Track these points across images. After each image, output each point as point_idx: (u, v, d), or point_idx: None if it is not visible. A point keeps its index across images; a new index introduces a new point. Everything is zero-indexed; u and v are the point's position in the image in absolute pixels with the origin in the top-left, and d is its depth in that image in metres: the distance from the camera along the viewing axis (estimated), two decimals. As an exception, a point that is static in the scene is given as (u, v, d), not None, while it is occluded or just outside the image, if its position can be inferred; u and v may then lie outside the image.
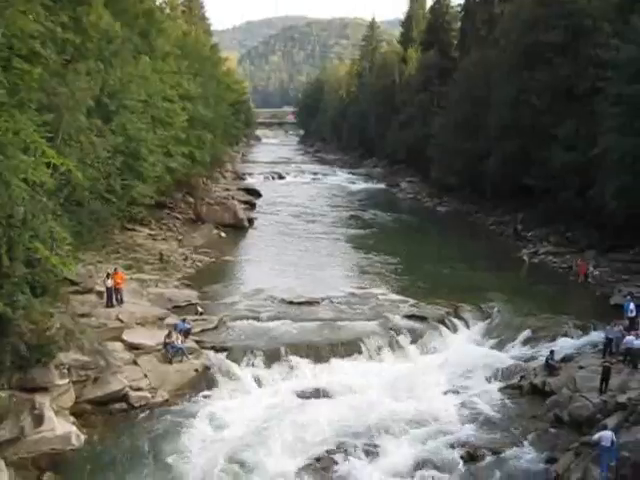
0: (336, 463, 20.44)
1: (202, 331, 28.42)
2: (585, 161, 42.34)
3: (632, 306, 27.98)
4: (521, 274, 42.63)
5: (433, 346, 30.38)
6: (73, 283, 26.82)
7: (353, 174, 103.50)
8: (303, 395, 25.25)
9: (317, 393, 25.47)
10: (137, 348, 25.18)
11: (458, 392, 26.14)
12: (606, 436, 18.15)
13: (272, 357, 27.05)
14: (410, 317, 32.25)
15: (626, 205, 37.82)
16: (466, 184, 64.73)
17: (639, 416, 18.90)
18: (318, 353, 27.94)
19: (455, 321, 32.45)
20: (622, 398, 20.46)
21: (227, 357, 26.62)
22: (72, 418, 20.34)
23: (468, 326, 32.27)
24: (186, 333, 26.67)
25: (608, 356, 24.16)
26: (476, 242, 50.76)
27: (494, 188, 58.12)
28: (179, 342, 25.50)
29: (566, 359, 26.40)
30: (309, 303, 33.95)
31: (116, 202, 29.84)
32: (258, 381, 25.87)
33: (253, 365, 26.53)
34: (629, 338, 23.62)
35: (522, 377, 25.93)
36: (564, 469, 19.13)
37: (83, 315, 24.78)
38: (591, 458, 18.75)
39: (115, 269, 29.15)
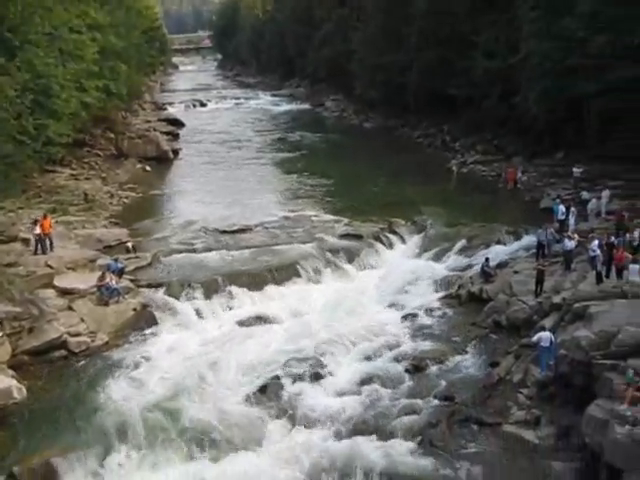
0: (283, 388, 20.45)
1: (136, 269, 27.75)
2: (507, 68, 42.40)
3: (562, 208, 28.56)
4: (451, 185, 43.02)
5: (370, 263, 30.56)
6: (-5, 233, 25.65)
7: (276, 96, 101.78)
8: (245, 324, 25.11)
9: (259, 320, 25.36)
10: (70, 293, 24.39)
11: (398, 306, 26.45)
12: (545, 337, 18.65)
13: (211, 288, 26.71)
14: (345, 236, 32.29)
15: (546, 109, 38.33)
16: (390, 98, 64.27)
17: (574, 315, 19.41)
18: (256, 280, 27.75)
19: (390, 237, 32.63)
20: (557, 299, 20.99)
21: (165, 293, 26.12)
22: (11, 371, 19.70)
23: (404, 241, 32.49)
24: (120, 273, 25.98)
25: (541, 259, 24.68)
26: (404, 156, 50.80)
27: (417, 101, 57.96)
28: (113, 283, 24.84)
29: (501, 265, 26.88)
30: (243, 231, 33.59)
31: (30, 143, 28.32)
32: (199, 314, 25.54)
33: (192, 298, 26.13)
34: (567, 241, 24.05)
35: (460, 286, 26.34)
36: (506, 372, 19.67)
37: (9, 265, 23.78)
38: (531, 359, 19.31)
39: (44, 215, 27.96)
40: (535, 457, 15.90)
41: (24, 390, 18.70)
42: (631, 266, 19.95)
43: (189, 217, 36.14)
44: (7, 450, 17.04)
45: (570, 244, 23.67)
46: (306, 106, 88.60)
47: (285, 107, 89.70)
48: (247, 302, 26.75)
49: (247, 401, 19.87)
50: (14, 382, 18.76)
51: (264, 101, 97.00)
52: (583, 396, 16.42)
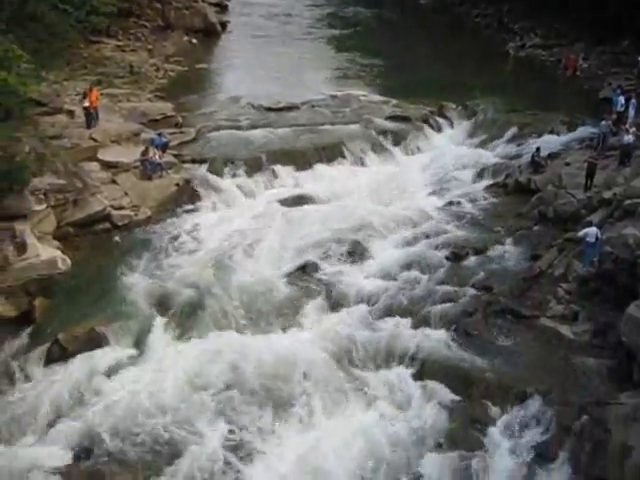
0: (322, 269, 20.57)
1: (180, 144, 27.55)
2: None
3: (622, 100, 27.17)
4: (507, 69, 41.25)
5: (417, 147, 29.94)
6: (40, 104, 25.33)
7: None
8: (287, 203, 25.02)
9: (301, 200, 25.23)
10: (114, 167, 24.36)
11: (443, 193, 26.06)
12: (591, 232, 18.17)
13: (254, 166, 26.55)
14: (393, 118, 31.52)
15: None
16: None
17: (623, 212, 18.81)
18: (301, 159, 27.46)
19: (439, 120, 31.78)
20: (607, 194, 20.32)
21: (208, 169, 26.02)
22: (56, 243, 20.03)
23: (452, 125, 31.65)
24: (164, 147, 25.83)
25: (595, 152, 23.75)
26: (460, 37, 48.73)
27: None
28: (157, 157, 24.76)
29: (552, 156, 25.99)
30: (289, 108, 32.91)
31: (73, 12, 27.47)
32: (241, 192, 25.50)
33: (235, 176, 26.05)
34: (624, 135, 22.98)
35: (507, 175, 25.71)
36: (547, 265, 19.34)
37: (54, 137, 23.64)
38: (574, 254, 18.91)
39: (90, 87, 27.62)
40: (570, 352, 15.82)
41: (68, 261, 19.05)
42: (690, 163, 19.11)
43: (235, 93, 35.42)
44: (53, 318, 17.53)
45: (627, 138, 22.63)
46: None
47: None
48: (290, 181, 26.60)
49: (287, 279, 20.07)
50: (59, 253, 19.11)
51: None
52: (624, 295, 16.08)
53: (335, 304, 18.82)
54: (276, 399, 14.79)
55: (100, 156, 24.59)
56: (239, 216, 24.00)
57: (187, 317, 17.91)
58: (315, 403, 14.73)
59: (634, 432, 12.45)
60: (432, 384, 15.21)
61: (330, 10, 62.26)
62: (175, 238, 22.01)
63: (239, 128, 29.87)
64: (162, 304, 18.31)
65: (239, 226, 23.20)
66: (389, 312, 18.17)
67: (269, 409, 14.58)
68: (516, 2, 49.36)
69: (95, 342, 16.55)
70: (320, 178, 27.06)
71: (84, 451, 13.10)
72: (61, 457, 12.94)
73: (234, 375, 15.31)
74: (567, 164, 24.50)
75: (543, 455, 12.88)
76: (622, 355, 14.85)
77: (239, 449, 13.36)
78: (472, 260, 20.74)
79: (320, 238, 22.24)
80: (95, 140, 25.39)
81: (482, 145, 29.31)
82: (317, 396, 14.86)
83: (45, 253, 18.56)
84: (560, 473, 12.43)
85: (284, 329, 17.82)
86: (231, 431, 13.77)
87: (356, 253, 21.42)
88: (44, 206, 19.63)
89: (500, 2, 51.78)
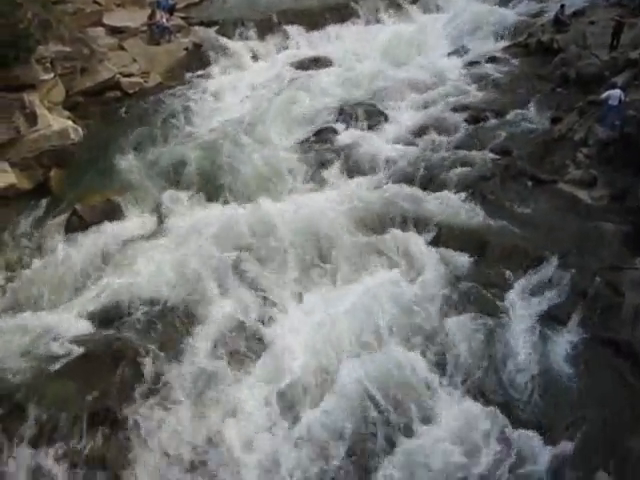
0: (338, 133, 20.33)
1: (188, 6, 26.78)
2: None
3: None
4: None
5: (436, 5, 28.76)
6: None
7: None
8: (301, 66, 24.47)
9: (315, 63, 24.66)
10: (120, 32, 23.68)
11: (462, 53, 25.38)
12: (614, 94, 17.64)
13: (265, 28, 25.82)
14: (411, -26, 30.01)
15: None
16: None
17: (650, 74, 18.25)
18: (313, 20, 26.64)
19: (460, -23, 30.22)
20: (634, 54, 19.56)
21: (217, 32, 25.24)
22: (67, 112, 19.73)
23: (473, -18, 30.11)
24: (171, 10, 24.99)
25: (623, 9, 22.77)
26: None
27: None
28: (164, 21, 23.97)
29: (577, 14, 24.99)
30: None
31: None
32: (253, 54, 24.86)
33: (246, 38, 25.31)
34: None
35: (529, 34, 24.81)
36: (568, 128, 18.96)
37: (56, 2, 22.70)
38: (596, 117, 18.46)
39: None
40: (587, 217, 15.82)
41: (80, 131, 18.84)
42: None
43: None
44: (69, 189, 17.57)
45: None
46: None
47: None
48: (303, 43, 25.91)
49: (303, 145, 19.89)
50: (70, 123, 18.84)
51: None
52: (646, 160, 15.91)
53: (353, 169, 18.67)
54: (296, 261, 14.96)
55: (105, 21, 23.85)
56: (252, 79, 23.49)
57: (203, 186, 17.87)
58: (335, 265, 14.91)
59: (648, 296, 12.67)
60: (449, 249, 15.28)
61: None
62: (187, 105, 21.66)
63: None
64: (177, 173, 18.24)
65: (252, 90, 22.76)
66: (406, 177, 18.04)
67: (290, 271, 14.79)
68: None
69: (112, 212, 16.64)
70: (334, 39, 26.28)
71: (105, 321, 13.35)
72: (82, 326, 13.20)
73: (254, 240, 15.42)
74: (592, 23, 23.58)
75: (556, 318, 13.17)
76: (638, 220, 14.86)
77: (261, 311, 13.67)
78: (491, 123, 20.39)
79: (335, 102, 21.88)
80: (99, 4, 24.53)
81: (503, 3, 28.09)
82: (337, 258, 15.00)
83: (56, 124, 18.29)
84: (572, 335, 12.75)
85: (302, 195, 17.77)
86: (254, 294, 14.03)
87: (373, 117, 21.07)
88: (52, 75, 19.10)
89: None
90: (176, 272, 14.43)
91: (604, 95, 17.96)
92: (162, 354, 12.29)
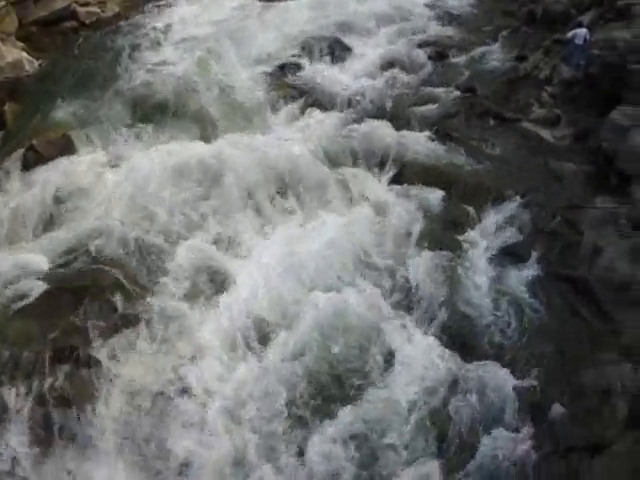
0: (302, 67, 20.05)
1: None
2: None
3: None
4: None
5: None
6: None
7: None
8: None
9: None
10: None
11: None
12: (580, 33, 17.62)
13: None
14: None
15: None
16: None
17: (616, 13, 18.11)
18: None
19: None
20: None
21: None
22: (20, 43, 19.05)
23: None
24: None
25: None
26: None
27: None
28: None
29: (546, -53, 24.52)
30: None
31: None
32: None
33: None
34: None
35: (497, -30, 24.44)
36: (533, 67, 19.02)
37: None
38: (561, 56, 18.48)
39: None
40: (549, 157, 15.95)
41: (35, 63, 18.27)
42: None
43: None
44: (25, 124, 17.02)
45: None
46: None
47: None
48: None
49: (266, 78, 19.53)
50: (24, 54, 18.23)
51: None
52: (608, 100, 15.96)
53: (316, 105, 18.48)
54: (260, 198, 14.83)
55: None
56: (215, 10, 22.87)
57: (164, 120, 17.45)
58: (299, 202, 14.86)
59: (606, 234, 12.89)
60: (412, 186, 15.30)
61: None
62: (146, 36, 21.06)
63: None
64: (138, 106, 17.78)
65: (215, 21, 22.20)
66: (371, 113, 17.93)
67: (253, 208, 14.68)
68: None
69: (69, 148, 16.12)
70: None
71: (67, 259, 13.07)
72: (43, 264, 12.91)
73: (217, 176, 15.13)
74: (560, -42, 23.17)
75: (516, 255, 13.39)
76: (601, 160, 15.04)
77: (225, 247, 13.60)
78: (456, 59, 20.38)
79: (299, 35, 21.60)
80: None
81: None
82: (301, 195, 14.94)
83: (10, 55, 17.74)
84: (531, 271, 12.97)
85: (264, 130, 17.52)
86: (218, 231, 13.92)
87: (337, 51, 20.87)
88: (2, 3, 18.29)
89: None
90: (136, 209, 14.19)
91: (570, 34, 17.93)
92: (126, 292, 12.18)
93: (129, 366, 11.18)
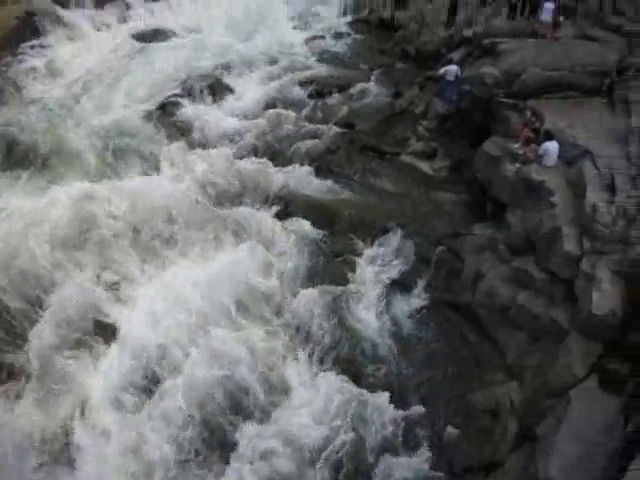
0: (182, 106, 19.90)
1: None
2: None
3: None
4: None
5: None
6: None
7: None
8: (143, 37, 23.60)
9: (158, 35, 23.95)
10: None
11: (307, 27, 25.46)
12: (451, 70, 18.37)
13: (103, -4, 24.56)
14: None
15: None
16: None
17: (482, 50, 19.06)
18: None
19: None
20: (468, 32, 20.44)
21: (53, 0, 23.69)
22: None
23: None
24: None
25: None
26: None
27: None
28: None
29: (414, -11, 25.69)
30: None
31: None
32: (91, 24, 23.66)
33: (83, 7, 24.00)
34: None
35: (371, 11, 25.32)
36: (409, 103, 19.67)
37: None
38: (435, 92, 19.22)
39: None
40: (428, 188, 16.52)
41: None
42: (546, 4, 19.35)
43: None
44: None
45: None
46: None
47: None
48: (144, 13, 24.98)
49: (146, 118, 19.32)
50: None
51: None
52: (480, 132, 16.72)
53: (199, 144, 18.39)
54: (144, 239, 14.51)
55: None
56: (91, 52, 22.44)
57: (38, 164, 16.88)
58: (184, 243, 14.62)
59: (486, 260, 13.43)
60: (297, 221, 15.43)
61: None
62: (20, 76, 20.38)
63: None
64: (11, 150, 17.17)
65: (92, 63, 21.82)
66: (254, 151, 18.06)
67: (138, 250, 14.31)
68: None
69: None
70: (177, 10, 25.52)
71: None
72: None
73: (98, 221, 14.65)
74: (430, 1, 24.23)
75: (403, 284, 13.71)
76: (477, 190, 15.69)
77: (109, 292, 13.16)
78: (336, 97, 20.74)
79: (179, 75, 21.45)
80: None
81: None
82: (186, 236, 14.72)
83: None
84: (418, 300, 13.32)
85: (146, 172, 17.25)
86: (102, 275, 13.48)
87: (218, 90, 20.81)
88: None
89: None
90: (13, 258, 13.53)
91: (442, 71, 18.68)
92: (7, 343, 11.54)
93: (13, 420, 10.58)
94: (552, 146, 14.02)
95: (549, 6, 19.11)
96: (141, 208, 15.10)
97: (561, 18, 18.80)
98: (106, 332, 12.35)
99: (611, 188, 12.69)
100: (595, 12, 20.00)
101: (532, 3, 20.11)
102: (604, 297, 10.73)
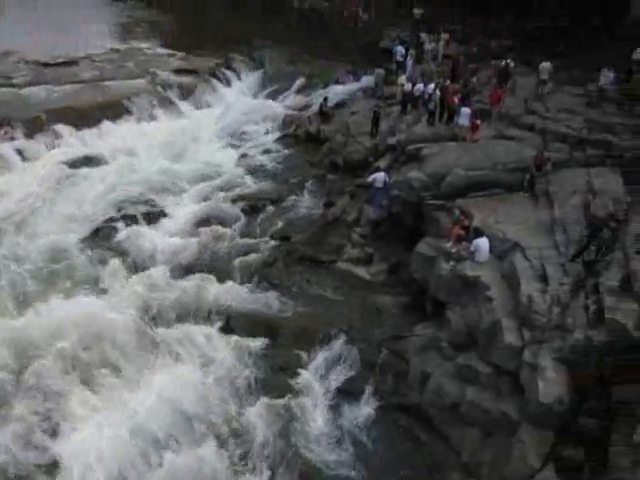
0: (118, 231, 19.80)
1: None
2: None
3: (401, 50, 28.20)
4: (293, 21, 41.47)
5: (206, 101, 29.51)
6: None
7: None
8: (74, 164, 23.68)
9: (89, 161, 24.07)
10: None
11: (236, 145, 25.99)
12: (379, 177, 18.98)
13: (34, 127, 24.75)
14: (180, 72, 30.72)
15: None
16: None
17: (407, 156, 19.84)
18: (84, 117, 26.02)
19: (228, 73, 31.48)
20: (392, 140, 21.29)
21: (-19, 132, 23.80)
22: None
23: (240, 78, 31.45)
24: None
25: (380, 100, 24.87)
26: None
27: None
28: None
29: (339, 105, 26.76)
30: (68, 64, 31.10)
31: None
32: (21, 155, 23.66)
33: (12, 138, 24.07)
34: (405, 84, 23.94)
35: (297, 126, 26.13)
36: (341, 211, 20.07)
37: None
38: (365, 199, 19.75)
39: None
40: (368, 292, 16.63)
41: None
42: (463, 109, 20.42)
43: (5, 47, 32.54)
44: None
45: (407, 86, 23.68)
46: None
47: None
48: (75, 141, 25.15)
49: (81, 244, 19.14)
50: None
51: None
52: (413, 235, 17.13)
53: (135, 267, 18.23)
54: (83, 369, 14.07)
55: None
56: (21, 181, 22.29)
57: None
58: (123, 368, 14.27)
59: (430, 359, 13.43)
60: (240, 336, 15.30)
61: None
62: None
63: (13, 86, 27.67)
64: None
65: (23, 192, 21.59)
66: (191, 269, 18.00)
67: (79, 381, 13.87)
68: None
69: None
70: (107, 136, 25.88)
71: None
72: None
73: (32, 353, 14.23)
74: (353, 113, 25.31)
75: (350, 392, 13.53)
76: (415, 290, 15.87)
77: (48, 427, 12.64)
78: (269, 210, 21.04)
79: (112, 199, 21.46)
80: None
81: (272, 96, 29.50)
82: (125, 361, 14.39)
83: None
84: (367, 406, 13.13)
85: (83, 297, 16.85)
86: (40, 409, 12.93)
87: (152, 212, 20.87)
88: None
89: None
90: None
91: (370, 178, 19.28)
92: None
93: None
94: (483, 242, 14.44)
95: (466, 111, 20.22)
96: (80, 334, 14.75)
97: (478, 121, 19.86)
98: (47, 467, 11.82)
99: (543, 278, 13.06)
100: (509, 113, 21.22)
101: (449, 109, 21.23)
102: (550, 385, 10.81)
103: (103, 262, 18.34)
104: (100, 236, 19.61)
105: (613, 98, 21.60)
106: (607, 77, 21.65)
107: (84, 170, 23.27)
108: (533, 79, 23.57)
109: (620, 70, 22.13)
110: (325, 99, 26.20)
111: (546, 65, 22.99)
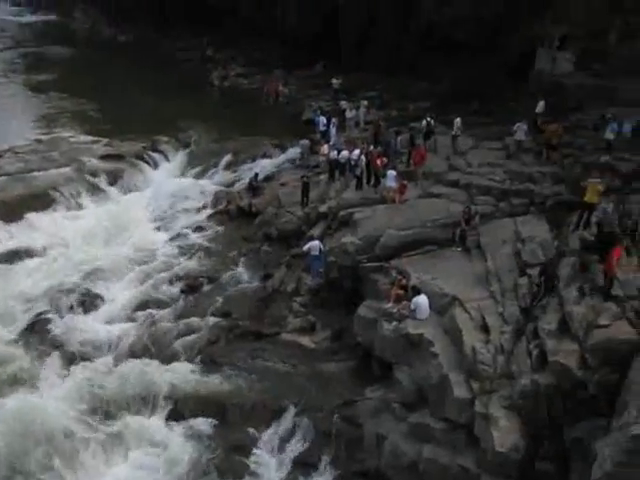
0: (54, 323, 19.33)
1: None
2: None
3: (323, 120, 28.91)
4: (214, 99, 42.09)
5: (135, 185, 29.38)
6: None
7: (18, 5, 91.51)
8: (2, 259, 23.10)
9: (18, 255, 23.42)
10: None
11: (168, 226, 25.87)
12: (314, 245, 19.23)
13: (-43, 223, 24.14)
14: (106, 157, 30.57)
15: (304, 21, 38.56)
16: (145, 8, 60.29)
17: (339, 223, 20.19)
18: (11, 211, 25.45)
19: (154, 155, 31.47)
20: (323, 208, 21.64)
21: None
22: None
23: (168, 159, 31.51)
24: None
25: (307, 170, 25.38)
26: (165, 71, 48.42)
27: (176, 10, 55.03)
28: None
29: (268, 178, 27.10)
30: (-11, 158, 30.41)
31: None
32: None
33: None
34: (330, 152, 24.47)
35: (228, 202, 26.25)
36: (279, 282, 20.14)
37: None
38: (302, 268, 19.90)
39: None
40: (314, 361, 16.57)
41: None
42: (389, 172, 20.97)
43: None
44: None
45: (333, 154, 24.21)
46: (53, 17, 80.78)
47: (29, 18, 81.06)
48: (2, 235, 24.56)
49: (16, 340, 18.64)
50: None
51: (3, 11, 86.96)
52: (353, 299, 17.29)
53: (74, 358, 17.79)
54: (27, 469, 13.47)
55: None
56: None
57: None
58: (65, 468, 13.71)
59: (383, 421, 13.39)
60: (188, 420, 15.03)
61: (26, 51, 58.63)
62: None
63: None
64: None
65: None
66: (134, 354, 17.67)
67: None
68: (217, 34, 50.31)
69: None
70: (34, 228, 25.37)
71: None
72: None
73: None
74: (283, 184, 25.68)
75: (307, 463, 13.34)
76: (360, 354, 15.92)
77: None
78: (207, 288, 20.93)
79: (46, 291, 20.95)
80: None
81: (200, 175, 29.54)
82: (67, 460, 13.87)
83: None
84: (325, 476, 12.94)
85: (23, 394, 16.26)
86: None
87: (87, 301, 20.50)
88: None
89: (201, 34, 52.46)
90: None
91: (305, 247, 19.51)
92: None
93: None
94: (422, 299, 14.70)
95: (392, 173, 20.78)
96: (20, 435, 14.29)
97: (405, 182, 20.43)
98: None
99: (484, 328, 13.32)
100: (432, 171, 21.90)
101: (376, 173, 21.77)
102: (504, 434, 10.93)
103: (41, 356, 17.82)
104: (36, 330, 19.09)
105: (530, 149, 22.72)
106: (522, 129, 22.84)
107: (14, 265, 22.70)
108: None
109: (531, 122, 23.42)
110: (256, 175, 26.49)
111: (456, 120, 24.17)
